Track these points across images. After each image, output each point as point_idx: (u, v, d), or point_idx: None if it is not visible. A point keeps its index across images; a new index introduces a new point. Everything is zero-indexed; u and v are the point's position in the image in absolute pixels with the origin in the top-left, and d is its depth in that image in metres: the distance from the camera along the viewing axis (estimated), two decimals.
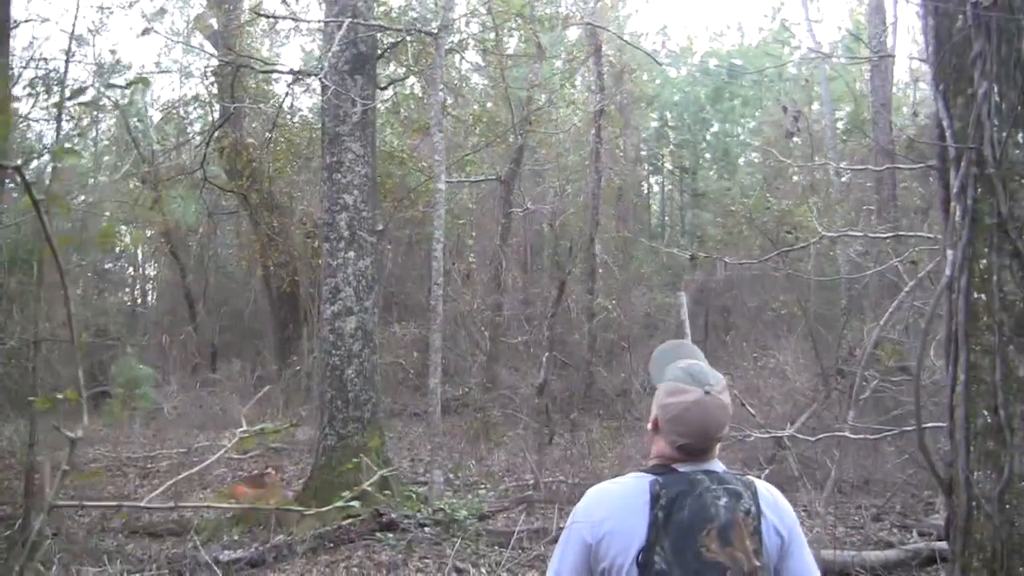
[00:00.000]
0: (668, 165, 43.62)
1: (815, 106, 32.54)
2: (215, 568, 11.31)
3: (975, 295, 5.60)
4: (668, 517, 3.60)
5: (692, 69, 43.18)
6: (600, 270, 29.92)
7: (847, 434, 10.93)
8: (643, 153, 41.46)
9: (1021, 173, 5.51)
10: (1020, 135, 5.53)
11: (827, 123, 29.82)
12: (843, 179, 27.46)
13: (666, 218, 44.40)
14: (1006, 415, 5.37)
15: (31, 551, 5.68)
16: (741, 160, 41.38)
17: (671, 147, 43.82)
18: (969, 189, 5.59)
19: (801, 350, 20.01)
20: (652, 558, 3.57)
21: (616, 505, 3.76)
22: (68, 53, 14.22)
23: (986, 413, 5.50)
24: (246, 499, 13.61)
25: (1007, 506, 5.43)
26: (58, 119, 14.12)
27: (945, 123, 5.72)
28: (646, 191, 45.15)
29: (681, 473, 3.73)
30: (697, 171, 40.92)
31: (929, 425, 6.41)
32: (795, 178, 30.03)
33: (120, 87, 26.91)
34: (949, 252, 5.71)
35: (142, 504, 3.35)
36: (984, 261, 5.55)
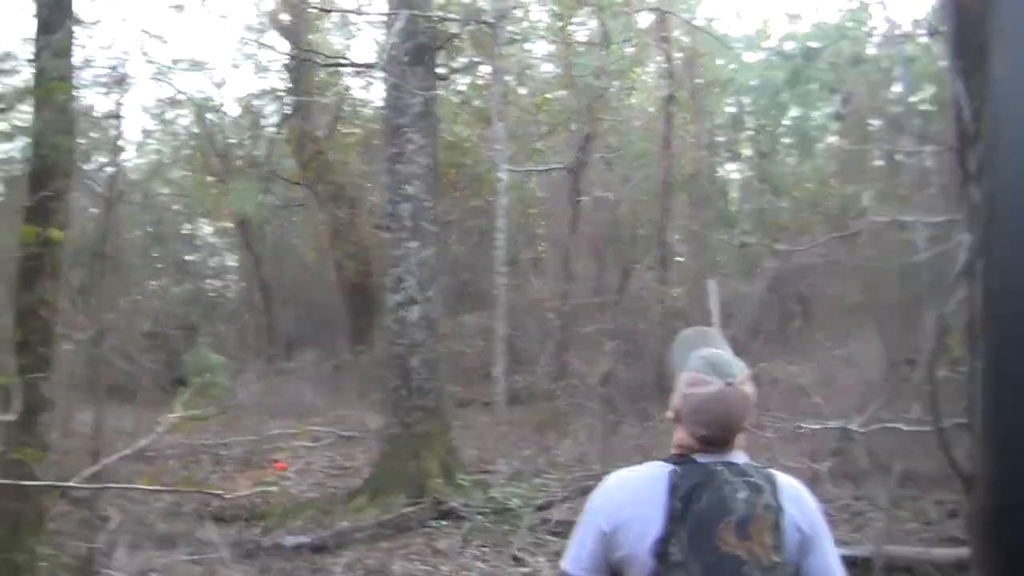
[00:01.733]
0: (746, 151, 43.27)
1: (895, 87, 32.16)
2: (279, 553, 11.53)
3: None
4: (686, 508, 3.52)
5: (768, 53, 42.83)
6: (678, 258, 29.86)
7: (900, 426, 10.74)
8: (718, 139, 41.21)
9: None
10: None
11: (906, 105, 29.51)
12: (926, 163, 27.18)
13: (745, 205, 44.07)
14: None
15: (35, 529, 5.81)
16: (820, 145, 41.00)
17: (748, 132, 43.49)
18: (987, 170, 5.53)
19: (874, 339, 19.81)
20: (668, 549, 3.50)
21: (634, 493, 3.71)
22: (129, 51, 14.37)
23: None
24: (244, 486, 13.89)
25: None
26: (118, 116, 14.24)
27: (963, 102, 5.63)
28: (722, 178, 44.90)
29: (701, 464, 3.63)
30: (774, 156, 40.59)
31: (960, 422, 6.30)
32: (878, 162, 29.76)
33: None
34: (965, 236, 5.61)
35: (69, 484, 3.46)
36: None
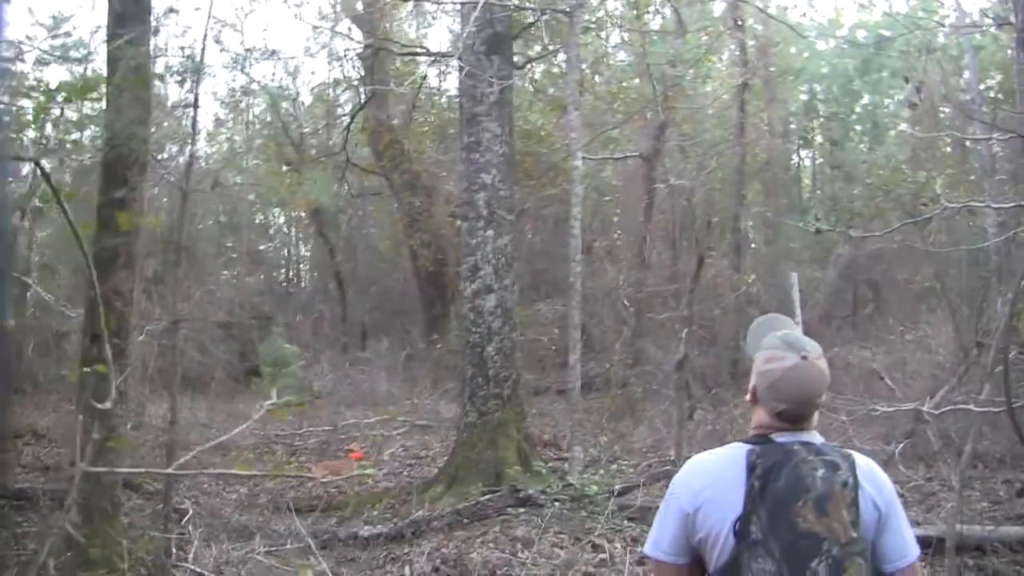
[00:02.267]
0: (818, 138, 43.10)
1: (965, 75, 31.97)
2: (354, 543, 11.57)
3: None
4: (764, 487, 3.61)
5: (840, 41, 42.62)
6: (752, 245, 29.79)
7: (971, 407, 10.76)
8: (792, 127, 41.08)
9: None
10: None
11: (975, 93, 29.25)
12: (995, 150, 26.95)
13: (818, 191, 43.90)
14: None
15: (66, 512, 5.81)
16: (891, 132, 40.75)
17: (820, 120, 43.33)
18: None
19: (945, 324, 19.75)
20: (748, 528, 3.58)
21: (713, 475, 3.79)
22: (204, 40, 14.44)
23: None
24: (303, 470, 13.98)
25: None
26: (195, 105, 14.32)
27: None
28: (796, 165, 44.75)
29: (778, 443, 3.73)
30: (846, 144, 40.41)
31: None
32: (948, 149, 29.58)
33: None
34: None
35: (168, 471, 3.48)
36: None
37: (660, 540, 3.87)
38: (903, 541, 3.80)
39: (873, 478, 3.80)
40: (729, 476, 3.70)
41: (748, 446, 3.76)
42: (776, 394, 3.76)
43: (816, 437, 3.81)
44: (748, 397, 3.95)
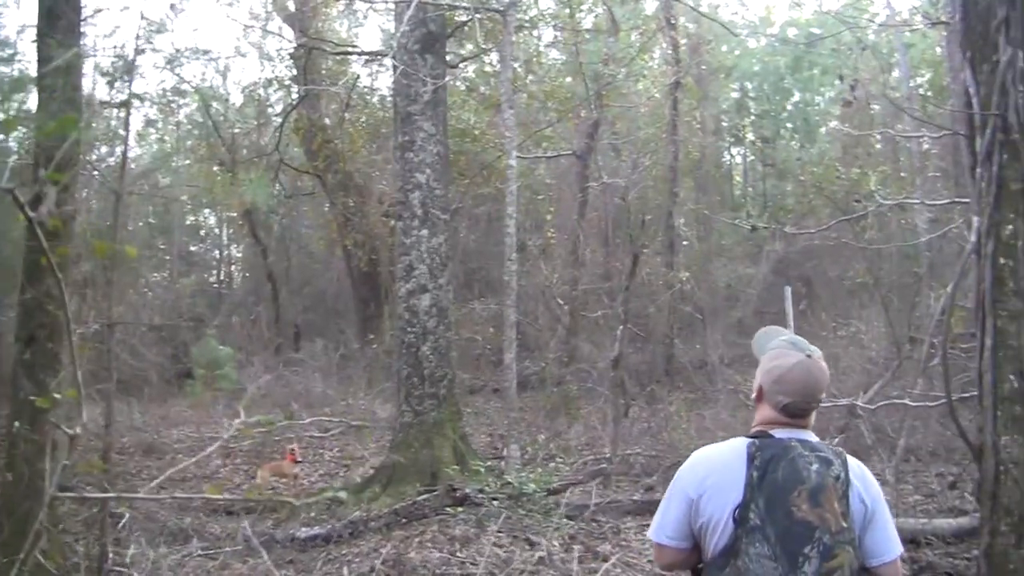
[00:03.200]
0: (750, 136, 43.33)
1: (895, 73, 32.23)
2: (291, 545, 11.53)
3: (1001, 261, 5.60)
4: (763, 477, 3.96)
5: (771, 39, 42.87)
6: (685, 242, 29.91)
7: (907, 402, 10.90)
8: (724, 124, 41.32)
9: None
10: None
11: (906, 90, 29.48)
12: (924, 147, 27.19)
13: (750, 189, 44.14)
14: None
15: (34, 541, 5.75)
16: (822, 130, 41.03)
17: (752, 118, 43.57)
18: (995, 155, 5.59)
19: (877, 319, 19.94)
20: (747, 514, 3.93)
21: (717, 464, 4.15)
22: (137, 40, 14.33)
23: (1012, 378, 5.51)
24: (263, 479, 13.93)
25: None
26: (127, 107, 14.19)
27: (971, 90, 5.73)
28: (728, 162, 44.99)
29: (777, 439, 4.10)
30: (778, 141, 40.66)
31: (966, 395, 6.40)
32: (879, 146, 29.79)
33: None
34: (975, 218, 5.73)
35: (139, 495, 3.46)
36: (1010, 227, 5.55)
37: (665, 525, 4.24)
38: (888, 538, 4.15)
39: (862, 476, 4.15)
40: (731, 466, 4.06)
41: (749, 440, 4.14)
42: (782, 388, 4.17)
43: (812, 436, 4.20)
44: (754, 395, 4.38)
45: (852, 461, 4.15)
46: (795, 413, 4.16)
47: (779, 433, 4.13)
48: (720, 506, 4.01)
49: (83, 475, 10.51)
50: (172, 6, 31.82)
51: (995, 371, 5.53)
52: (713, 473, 4.11)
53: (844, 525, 3.95)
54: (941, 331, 9.09)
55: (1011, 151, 5.46)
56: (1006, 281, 5.52)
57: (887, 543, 4.14)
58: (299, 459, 15.49)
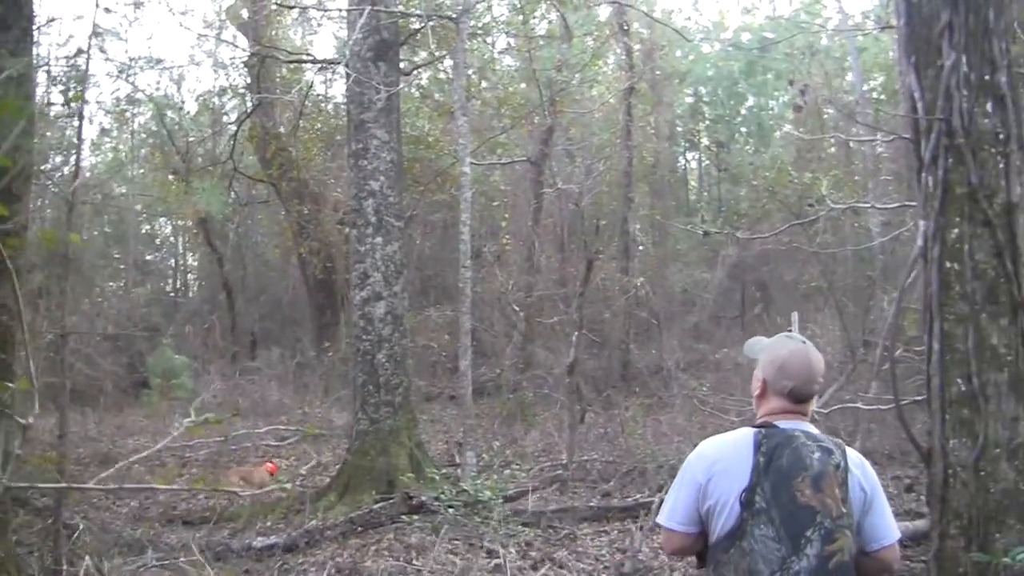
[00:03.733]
0: (704, 140, 43.51)
1: (849, 77, 32.44)
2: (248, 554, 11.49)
3: (948, 264, 5.67)
4: (769, 463, 4.19)
5: (725, 44, 43.05)
6: (640, 247, 29.98)
7: (859, 405, 10.96)
8: (678, 129, 41.45)
9: (990, 143, 5.56)
10: (988, 105, 5.57)
11: (858, 94, 29.65)
12: (879, 151, 27.34)
13: (705, 193, 44.31)
14: (979, 383, 5.46)
15: None
16: (776, 134, 41.22)
17: (706, 122, 43.75)
18: (940, 160, 5.65)
19: (832, 323, 20.04)
20: (754, 498, 4.16)
21: (725, 450, 4.38)
22: (88, 48, 14.24)
23: (960, 381, 5.58)
24: (226, 483, 13.80)
25: (982, 473, 5.50)
26: (80, 116, 14.11)
27: (916, 95, 5.79)
28: (683, 167, 45.16)
29: (782, 428, 4.32)
30: (732, 146, 40.82)
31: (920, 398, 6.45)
32: (832, 150, 29.96)
33: None
34: (921, 223, 5.80)
35: (88, 486, 3.46)
36: (956, 231, 5.62)
37: (675, 511, 4.45)
38: (886, 523, 4.43)
39: (861, 465, 4.40)
40: (739, 453, 4.29)
41: (756, 429, 4.36)
42: (785, 373, 4.42)
43: (813, 428, 4.43)
44: (755, 394, 4.61)
45: (851, 451, 4.39)
46: (799, 397, 4.41)
47: (783, 424, 4.35)
48: (727, 490, 4.23)
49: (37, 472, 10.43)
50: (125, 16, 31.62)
51: (943, 374, 5.60)
52: (722, 459, 4.33)
53: (844, 511, 4.18)
54: (893, 334, 9.15)
55: (956, 155, 5.53)
56: (952, 285, 5.59)
57: (886, 528, 4.41)
58: (273, 473, 15.45)
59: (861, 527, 4.35)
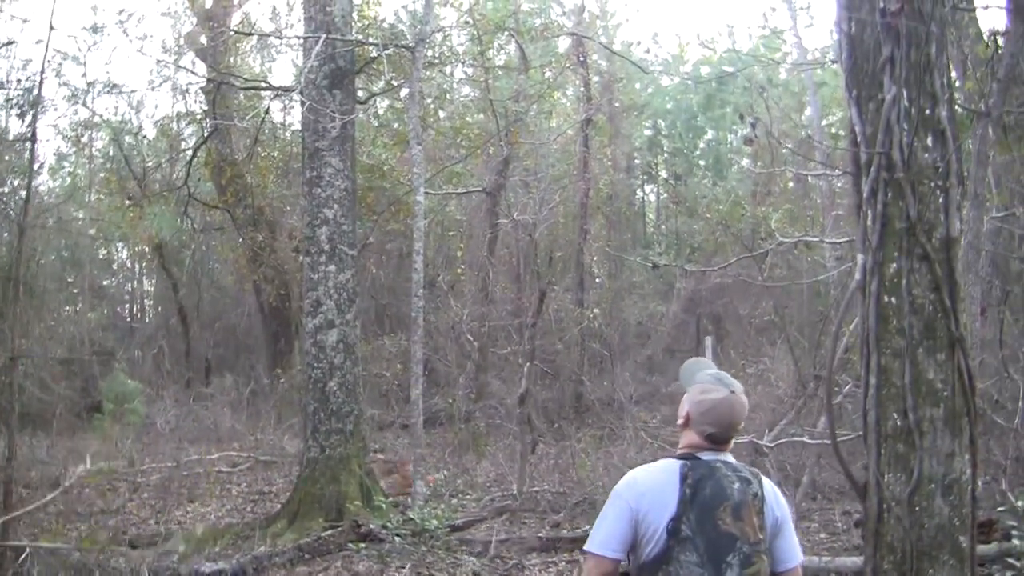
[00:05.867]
0: (662, 173, 43.62)
1: (807, 112, 32.63)
2: None
3: (885, 299, 5.72)
4: (694, 495, 4.47)
5: (684, 77, 43.22)
6: (597, 279, 30.03)
7: (806, 440, 11.02)
8: (636, 162, 41.54)
9: (929, 177, 5.62)
10: (928, 139, 5.63)
11: (816, 129, 29.81)
12: (838, 185, 27.49)
13: (662, 226, 44.40)
14: (915, 418, 5.51)
15: None
16: (734, 168, 41.38)
17: (665, 155, 43.90)
18: (879, 194, 5.70)
19: (785, 357, 20.12)
20: (680, 527, 4.42)
21: (653, 481, 4.61)
22: (42, 71, 14.20)
23: (896, 416, 5.62)
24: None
25: (916, 508, 5.55)
26: (32, 139, 14.09)
27: (857, 128, 5.84)
28: (640, 200, 45.23)
29: (704, 460, 4.62)
30: (690, 179, 40.94)
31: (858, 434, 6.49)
32: (791, 184, 30.14)
33: None
34: (860, 257, 5.85)
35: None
36: (894, 265, 5.66)
37: (610, 538, 4.59)
38: (792, 546, 4.80)
39: (774, 494, 4.73)
40: (666, 484, 4.54)
41: (680, 461, 4.63)
42: (708, 419, 4.67)
43: (731, 458, 4.74)
44: (680, 422, 4.86)
45: (766, 481, 4.71)
46: (717, 441, 4.68)
47: (705, 456, 4.64)
48: (657, 519, 4.46)
49: None
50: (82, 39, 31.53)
51: (879, 409, 5.64)
52: (650, 489, 4.56)
53: (760, 537, 4.52)
54: (838, 369, 9.24)
55: (895, 189, 5.57)
56: (890, 319, 5.63)
57: (792, 551, 4.78)
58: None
59: (771, 550, 4.64)
